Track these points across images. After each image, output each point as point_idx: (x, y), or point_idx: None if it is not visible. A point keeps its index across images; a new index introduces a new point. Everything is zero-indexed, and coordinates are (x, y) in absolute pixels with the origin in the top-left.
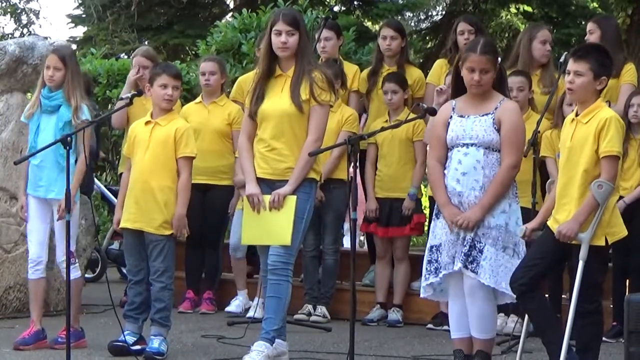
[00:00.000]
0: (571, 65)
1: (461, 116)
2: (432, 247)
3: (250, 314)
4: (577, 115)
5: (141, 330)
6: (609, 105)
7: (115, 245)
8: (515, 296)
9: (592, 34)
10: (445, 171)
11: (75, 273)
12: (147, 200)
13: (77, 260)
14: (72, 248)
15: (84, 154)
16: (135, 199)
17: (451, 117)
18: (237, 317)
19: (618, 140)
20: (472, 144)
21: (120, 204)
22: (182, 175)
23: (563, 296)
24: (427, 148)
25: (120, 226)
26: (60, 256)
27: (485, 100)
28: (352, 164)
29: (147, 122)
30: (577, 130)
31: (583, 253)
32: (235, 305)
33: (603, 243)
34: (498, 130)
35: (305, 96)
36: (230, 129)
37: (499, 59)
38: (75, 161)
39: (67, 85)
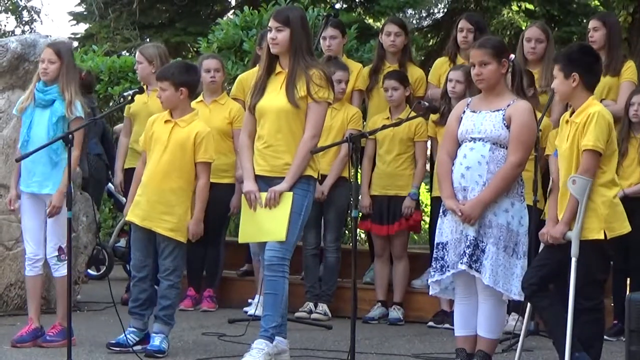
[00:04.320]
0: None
1: (473, 111)
2: (438, 244)
3: (251, 311)
4: (571, 115)
5: (147, 326)
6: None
7: (122, 242)
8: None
9: (597, 30)
10: (453, 167)
11: (65, 270)
12: (160, 201)
13: (66, 257)
14: (63, 244)
15: (75, 151)
16: (147, 197)
17: (464, 112)
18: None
19: (595, 135)
20: (479, 139)
21: (132, 195)
22: (201, 180)
23: None
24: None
25: (128, 219)
26: (51, 252)
27: (498, 98)
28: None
29: (166, 121)
30: (572, 130)
31: (574, 250)
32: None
33: (601, 236)
34: (507, 127)
35: (302, 93)
36: (231, 127)
37: (512, 56)
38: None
39: (62, 79)
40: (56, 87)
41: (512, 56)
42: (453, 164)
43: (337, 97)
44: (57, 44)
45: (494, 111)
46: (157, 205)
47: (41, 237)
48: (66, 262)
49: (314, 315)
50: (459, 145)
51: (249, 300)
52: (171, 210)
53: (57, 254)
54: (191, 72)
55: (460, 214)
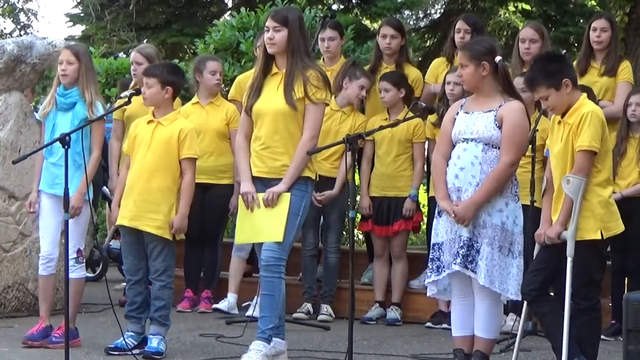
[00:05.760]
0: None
1: (466, 112)
2: (434, 245)
3: (249, 312)
4: (563, 116)
5: (144, 329)
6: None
7: (117, 244)
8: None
9: (606, 31)
10: (447, 168)
11: (81, 272)
12: (147, 200)
13: (83, 259)
14: (81, 247)
15: (96, 152)
16: (134, 198)
17: (458, 113)
18: (234, 316)
19: (590, 134)
20: (472, 139)
21: (117, 201)
22: (186, 176)
23: None
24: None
25: (117, 223)
26: (70, 254)
27: (488, 98)
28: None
29: (149, 121)
30: (565, 131)
31: (570, 250)
32: (223, 305)
33: (599, 236)
34: (499, 128)
35: (300, 94)
36: (228, 128)
37: (498, 59)
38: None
39: (82, 80)
40: (77, 90)
41: (498, 58)
42: (447, 165)
43: (354, 101)
44: (75, 46)
45: (485, 112)
46: (144, 204)
47: (58, 237)
48: (83, 264)
49: (320, 317)
50: (454, 146)
51: (246, 301)
52: (157, 208)
53: (75, 255)
54: (178, 73)
55: (453, 215)
